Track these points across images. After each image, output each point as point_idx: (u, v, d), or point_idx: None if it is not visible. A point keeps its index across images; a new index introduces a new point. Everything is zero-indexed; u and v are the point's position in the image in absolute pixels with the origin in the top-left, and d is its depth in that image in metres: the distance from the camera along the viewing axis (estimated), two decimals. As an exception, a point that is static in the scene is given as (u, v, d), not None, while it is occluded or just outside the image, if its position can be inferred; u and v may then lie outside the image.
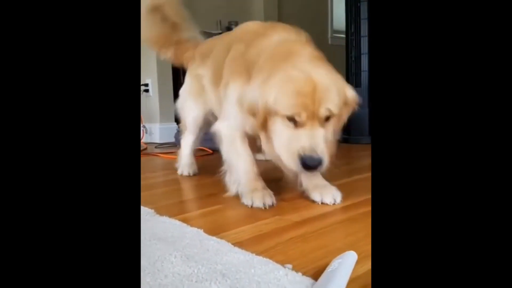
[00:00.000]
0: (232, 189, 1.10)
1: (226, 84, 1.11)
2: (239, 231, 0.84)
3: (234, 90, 1.04)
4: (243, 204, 1.04)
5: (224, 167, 1.14)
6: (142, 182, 1.45)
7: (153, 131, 2.93)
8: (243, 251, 0.67)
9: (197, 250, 0.67)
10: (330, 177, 1.34)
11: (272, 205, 1.00)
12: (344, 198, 1.07)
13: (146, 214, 0.94)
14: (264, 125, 0.90)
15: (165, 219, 0.90)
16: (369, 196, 1.10)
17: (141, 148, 2.46)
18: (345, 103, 0.92)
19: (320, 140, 0.85)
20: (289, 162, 0.86)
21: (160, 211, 0.98)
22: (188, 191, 1.30)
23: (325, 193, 1.02)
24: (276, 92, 0.85)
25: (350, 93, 0.93)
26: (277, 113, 0.86)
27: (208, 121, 1.46)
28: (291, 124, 0.86)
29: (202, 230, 0.81)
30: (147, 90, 2.89)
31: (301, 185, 1.09)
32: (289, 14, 3.79)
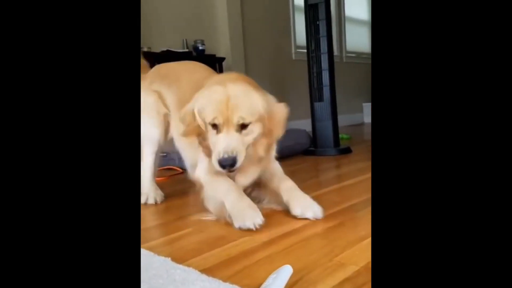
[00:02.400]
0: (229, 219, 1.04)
1: None
2: (207, 256, 0.85)
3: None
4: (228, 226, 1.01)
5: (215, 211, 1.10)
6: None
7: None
8: (210, 279, 0.68)
9: (163, 281, 0.67)
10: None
11: (262, 223, 0.97)
12: (310, 214, 1.10)
13: (112, 245, 0.92)
14: (195, 132, 1.08)
15: (132, 249, 0.89)
16: (336, 209, 1.15)
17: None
18: (270, 117, 1.04)
19: (233, 142, 0.99)
20: (214, 163, 1.01)
21: (127, 240, 0.96)
22: (158, 215, 1.28)
23: (305, 208, 1.05)
24: (201, 101, 1.03)
25: (275, 106, 1.06)
26: (205, 121, 1.03)
27: (170, 139, 1.39)
28: (214, 132, 1.02)
29: (169, 258, 0.81)
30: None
31: (281, 200, 1.12)
32: (253, 32, 3.88)
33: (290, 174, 1.86)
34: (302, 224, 1.03)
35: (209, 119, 1.01)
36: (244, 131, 1.01)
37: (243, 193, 1.08)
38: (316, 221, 1.04)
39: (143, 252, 0.85)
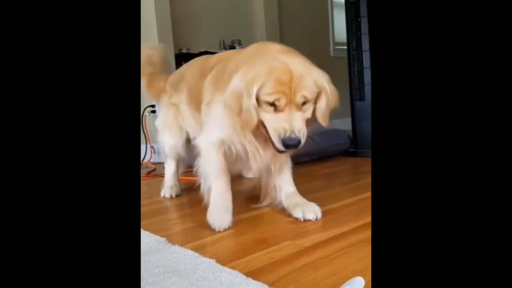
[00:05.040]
0: (205, 198, 1.17)
1: (210, 102, 1.16)
2: (250, 259, 0.85)
3: (219, 103, 1.08)
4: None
5: (200, 179, 1.19)
6: (151, 207, 1.46)
7: (161, 151, 2.96)
8: (256, 283, 0.68)
9: (209, 283, 0.68)
10: (339, 196, 1.34)
11: (228, 228, 1.07)
12: (355, 218, 1.07)
13: (159, 243, 0.95)
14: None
15: (177, 248, 0.91)
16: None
17: (150, 169, 2.49)
18: (327, 96, 1.01)
19: (297, 122, 0.95)
20: (275, 141, 0.97)
21: (172, 240, 0.99)
22: (198, 216, 1.30)
23: (306, 210, 1.10)
24: (261, 81, 0.94)
25: (329, 86, 1.02)
26: (260, 100, 0.96)
27: (189, 146, 1.50)
28: (271, 109, 0.96)
29: (214, 260, 0.82)
30: (154, 111, 2.94)
31: (280, 203, 1.19)
32: (290, 29, 3.85)
33: (329, 176, 1.83)
34: (348, 229, 1.00)
35: (268, 99, 0.94)
36: (304, 107, 0.97)
37: (227, 187, 1.13)
38: (361, 227, 1.01)
39: (189, 253, 0.87)
